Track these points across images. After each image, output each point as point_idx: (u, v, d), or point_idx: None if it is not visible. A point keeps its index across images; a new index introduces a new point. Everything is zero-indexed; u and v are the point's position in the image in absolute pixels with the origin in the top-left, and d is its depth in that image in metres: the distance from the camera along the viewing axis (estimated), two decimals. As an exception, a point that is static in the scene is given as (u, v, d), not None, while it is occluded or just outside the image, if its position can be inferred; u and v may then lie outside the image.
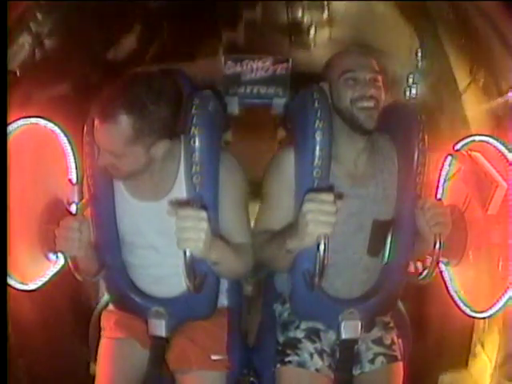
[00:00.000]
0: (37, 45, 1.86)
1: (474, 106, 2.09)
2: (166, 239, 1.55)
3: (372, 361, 1.72)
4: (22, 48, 1.78)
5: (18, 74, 1.74)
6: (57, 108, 1.83)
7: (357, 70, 1.58)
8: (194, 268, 1.36)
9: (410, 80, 2.39)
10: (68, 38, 2.01)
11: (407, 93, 2.37)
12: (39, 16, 1.81)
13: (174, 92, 1.47)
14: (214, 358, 1.69)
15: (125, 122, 1.37)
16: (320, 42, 2.80)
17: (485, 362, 2.00)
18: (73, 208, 1.76)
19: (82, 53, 2.16)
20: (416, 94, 2.35)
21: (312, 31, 2.80)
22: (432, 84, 2.39)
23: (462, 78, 2.15)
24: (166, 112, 1.42)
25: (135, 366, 1.69)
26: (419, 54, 2.38)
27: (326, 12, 2.71)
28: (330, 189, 1.44)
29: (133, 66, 2.31)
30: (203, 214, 1.32)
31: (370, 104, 1.56)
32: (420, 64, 2.39)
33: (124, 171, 1.50)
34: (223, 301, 1.79)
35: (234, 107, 2.21)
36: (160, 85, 1.42)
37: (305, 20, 2.79)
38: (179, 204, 1.46)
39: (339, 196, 1.36)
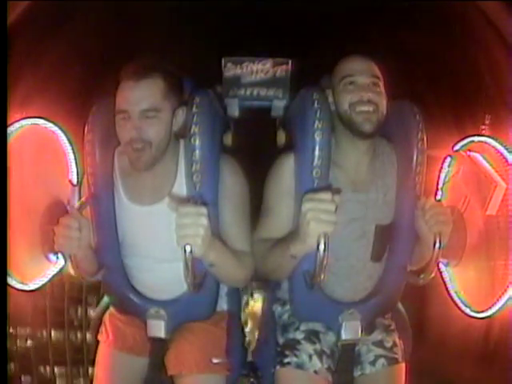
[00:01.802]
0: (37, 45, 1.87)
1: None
2: (163, 243, 1.55)
3: (373, 363, 1.71)
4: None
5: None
6: (57, 108, 1.84)
7: (355, 75, 1.59)
8: (194, 266, 1.36)
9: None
10: (69, 38, 2.02)
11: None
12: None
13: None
14: (214, 361, 1.69)
15: (159, 76, 1.52)
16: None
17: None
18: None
19: (83, 53, 2.17)
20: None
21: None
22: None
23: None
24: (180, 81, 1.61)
25: (135, 374, 1.69)
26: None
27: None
28: (327, 188, 1.45)
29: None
30: (203, 209, 1.32)
31: (369, 108, 1.56)
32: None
33: (148, 153, 1.50)
34: (222, 304, 1.79)
35: (233, 109, 2.20)
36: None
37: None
38: (180, 201, 1.46)
39: (336, 191, 1.37)
